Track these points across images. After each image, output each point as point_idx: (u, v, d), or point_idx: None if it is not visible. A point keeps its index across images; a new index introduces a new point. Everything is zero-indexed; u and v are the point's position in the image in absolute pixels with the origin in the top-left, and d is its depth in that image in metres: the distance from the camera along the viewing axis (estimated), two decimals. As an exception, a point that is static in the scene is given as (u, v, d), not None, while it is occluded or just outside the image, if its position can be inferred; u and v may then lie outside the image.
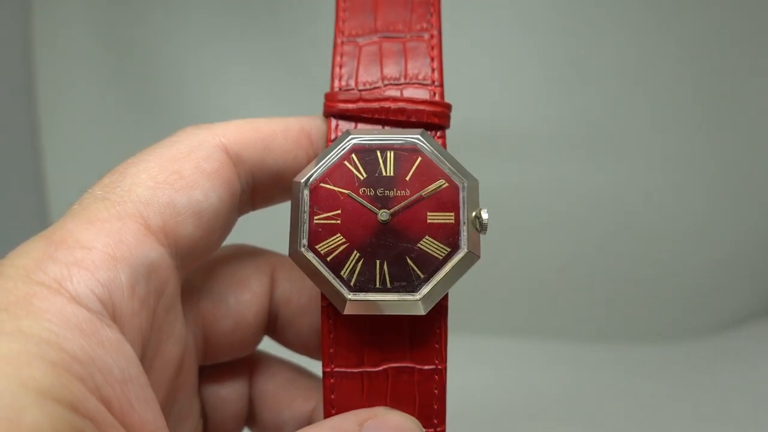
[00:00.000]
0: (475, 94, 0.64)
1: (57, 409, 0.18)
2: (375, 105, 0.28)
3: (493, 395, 0.57)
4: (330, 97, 0.28)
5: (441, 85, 0.28)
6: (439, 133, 0.28)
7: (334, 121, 0.28)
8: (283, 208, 0.28)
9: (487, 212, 0.26)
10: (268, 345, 0.32)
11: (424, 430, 0.26)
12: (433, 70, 0.28)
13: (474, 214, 0.26)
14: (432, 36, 0.29)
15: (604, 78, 0.67)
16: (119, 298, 0.22)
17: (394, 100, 0.28)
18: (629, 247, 0.68)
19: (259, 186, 0.28)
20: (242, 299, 0.29)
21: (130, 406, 0.21)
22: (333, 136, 0.28)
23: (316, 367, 0.28)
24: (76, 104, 0.68)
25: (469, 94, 0.56)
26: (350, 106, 0.28)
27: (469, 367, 0.61)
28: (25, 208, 0.68)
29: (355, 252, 0.26)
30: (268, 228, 0.39)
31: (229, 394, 0.31)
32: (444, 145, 0.28)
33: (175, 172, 0.25)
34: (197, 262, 0.27)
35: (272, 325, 0.31)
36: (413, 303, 0.25)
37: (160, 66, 0.67)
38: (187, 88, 0.67)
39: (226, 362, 0.31)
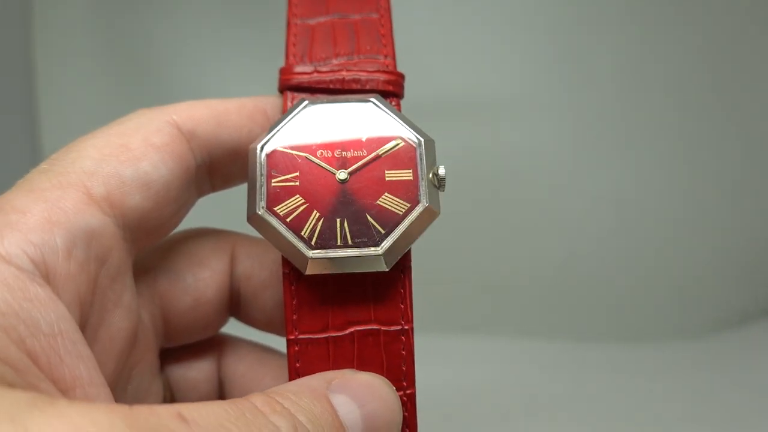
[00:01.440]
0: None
1: None
2: (330, 76, 0.28)
3: (492, 395, 0.57)
4: (285, 71, 0.29)
5: (393, 58, 0.29)
6: (394, 102, 0.28)
7: (290, 95, 0.29)
8: (243, 192, 0.28)
9: (444, 168, 0.26)
10: (235, 329, 0.32)
11: (392, 386, 0.25)
12: (384, 45, 0.29)
13: (432, 171, 0.26)
14: (381, 15, 0.29)
15: (605, 78, 0.67)
16: (53, 260, 0.21)
17: (349, 70, 0.28)
18: (628, 247, 0.68)
19: (216, 163, 0.28)
20: (201, 277, 0.29)
21: (59, 360, 0.20)
22: (289, 104, 0.28)
23: (282, 345, 0.28)
24: (76, 104, 0.69)
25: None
26: (305, 78, 0.28)
27: (467, 366, 0.61)
28: None
29: (315, 212, 0.26)
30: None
31: (197, 375, 0.31)
32: (398, 107, 0.28)
33: (122, 145, 0.25)
34: (153, 238, 0.27)
35: (235, 304, 0.31)
36: (375, 258, 0.25)
37: (161, 66, 0.68)
38: (187, 87, 0.68)
39: (192, 344, 0.31)
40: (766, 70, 0.69)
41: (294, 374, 0.26)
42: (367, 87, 0.28)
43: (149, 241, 0.27)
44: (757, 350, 0.64)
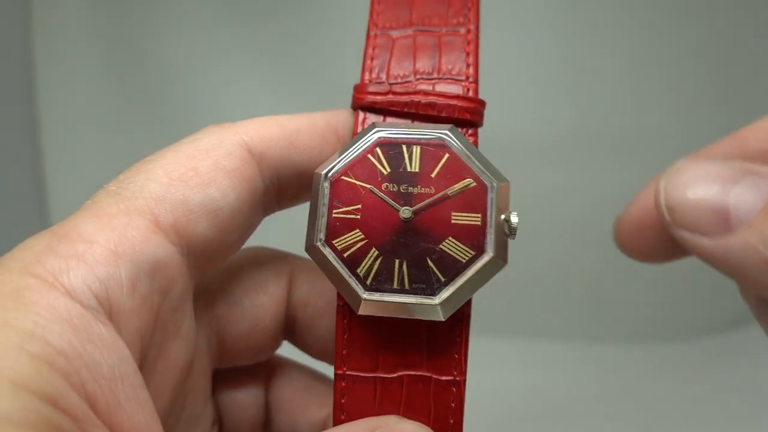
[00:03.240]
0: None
1: (32, 401, 0.17)
2: (405, 98, 0.26)
3: (492, 396, 0.57)
4: (359, 89, 0.26)
5: (475, 82, 0.26)
6: (470, 131, 0.26)
7: (361, 114, 0.26)
8: (306, 209, 0.27)
9: (517, 216, 0.24)
10: (288, 351, 0.31)
11: None
12: (468, 65, 0.26)
13: (503, 217, 0.24)
14: (469, 31, 0.27)
15: (609, 80, 0.66)
16: (117, 295, 0.21)
17: (425, 93, 0.26)
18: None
19: (284, 184, 0.27)
20: (258, 302, 0.28)
21: (118, 405, 0.20)
22: (359, 129, 0.26)
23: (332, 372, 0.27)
24: (76, 104, 0.67)
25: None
26: (379, 98, 0.26)
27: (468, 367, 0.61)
28: (25, 209, 0.66)
29: (374, 249, 0.24)
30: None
31: (245, 398, 0.30)
32: (476, 143, 0.26)
33: (192, 169, 0.24)
34: (215, 263, 0.25)
35: (290, 329, 0.30)
36: (431, 307, 0.23)
37: (161, 65, 0.66)
38: (187, 87, 0.66)
39: (242, 366, 0.30)
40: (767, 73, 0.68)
41: (338, 410, 0.25)
42: (443, 114, 0.26)
43: (211, 266, 0.26)
44: (756, 350, 0.64)
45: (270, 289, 0.29)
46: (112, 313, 0.21)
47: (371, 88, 0.26)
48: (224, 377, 0.30)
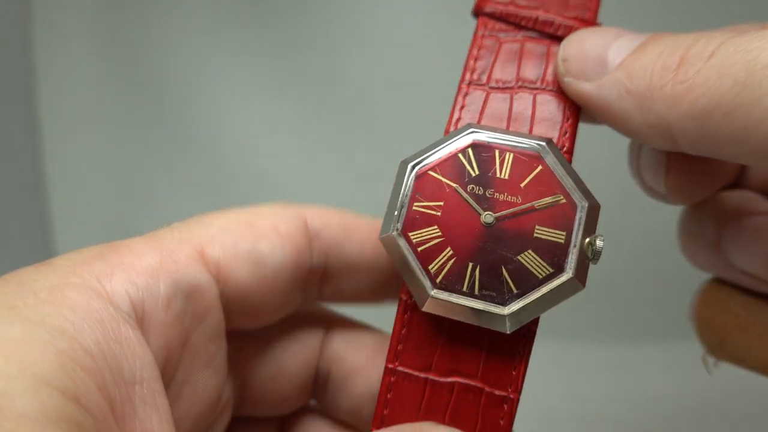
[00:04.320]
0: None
1: (55, 397, 0.17)
2: (525, 12, 0.27)
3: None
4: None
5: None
6: (566, 147, 0.26)
7: (456, 114, 0.26)
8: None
9: (603, 240, 0.23)
10: None
11: None
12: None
13: (588, 240, 0.23)
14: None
15: None
16: (151, 306, 0.22)
17: (546, 11, 0.27)
18: (629, 247, 0.66)
19: (331, 271, 0.27)
20: (288, 347, 0.28)
21: (132, 411, 0.20)
22: (452, 129, 0.26)
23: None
24: (77, 104, 0.66)
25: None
26: (499, 7, 0.27)
27: None
28: (25, 209, 0.66)
29: (449, 249, 0.23)
30: None
31: None
32: (570, 161, 0.25)
33: (249, 223, 0.25)
34: (247, 320, 0.26)
35: (322, 385, 0.29)
36: (499, 317, 0.23)
37: (162, 66, 0.66)
38: (188, 88, 0.66)
39: (259, 419, 0.29)
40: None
41: (382, 404, 0.24)
42: (559, 33, 0.26)
43: (243, 322, 0.26)
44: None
45: (303, 337, 0.28)
46: (144, 321, 0.21)
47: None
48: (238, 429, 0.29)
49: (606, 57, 0.24)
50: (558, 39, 0.26)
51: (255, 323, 0.26)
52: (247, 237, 0.25)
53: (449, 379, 0.24)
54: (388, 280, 0.28)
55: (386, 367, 0.24)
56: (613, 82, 0.24)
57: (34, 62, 0.65)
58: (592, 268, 0.25)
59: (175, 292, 0.22)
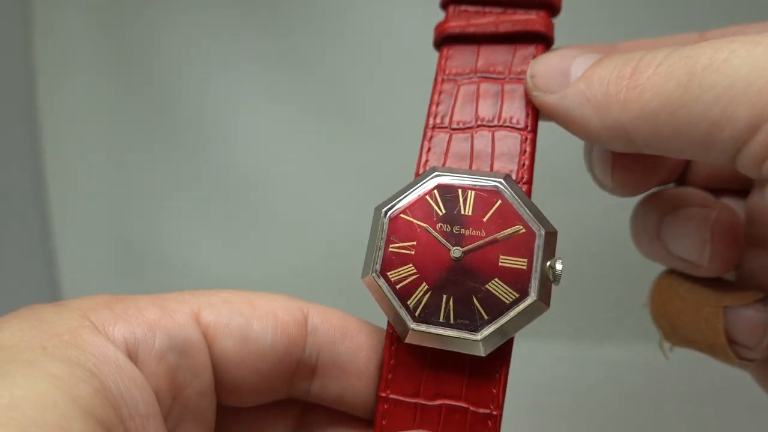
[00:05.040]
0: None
1: (96, 427, 0.20)
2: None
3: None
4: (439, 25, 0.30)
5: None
6: (525, 178, 0.28)
7: (424, 157, 0.28)
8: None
9: (562, 263, 0.26)
10: None
11: None
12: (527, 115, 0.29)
13: (549, 263, 0.26)
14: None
15: None
16: (145, 355, 0.24)
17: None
18: (629, 246, 0.67)
19: (321, 370, 0.28)
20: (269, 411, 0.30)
21: None
22: (421, 170, 0.28)
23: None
24: (77, 105, 0.66)
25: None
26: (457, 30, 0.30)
27: None
28: (25, 210, 0.66)
29: (424, 284, 0.26)
30: None
31: None
32: (529, 192, 0.28)
33: (249, 302, 0.27)
34: (226, 393, 0.27)
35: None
36: (473, 343, 0.25)
37: (164, 70, 0.65)
38: (189, 89, 0.65)
39: None
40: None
41: (379, 430, 0.27)
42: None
43: (223, 397, 0.27)
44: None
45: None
46: (138, 366, 0.24)
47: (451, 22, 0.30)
48: None
49: (568, 71, 0.27)
50: (524, 38, 0.29)
51: (235, 400, 0.28)
52: (242, 315, 0.26)
53: (437, 402, 0.27)
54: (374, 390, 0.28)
55: (379, 396, 0.27)
56: (574, 93, 0.26)
57: (34, 62, 0.65)
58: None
59: (170, 347, 0.25)
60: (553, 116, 0.27)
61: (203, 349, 0.26)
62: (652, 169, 0.31)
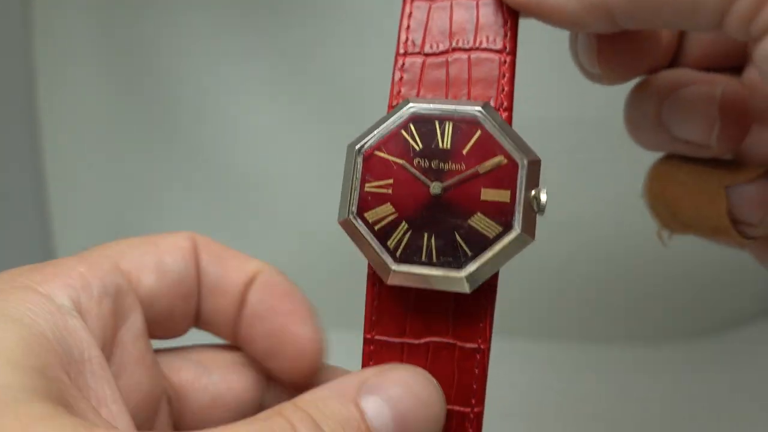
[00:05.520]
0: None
1: (26, 371, 0.20)
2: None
3: (492, 395, 0.56)
4: None
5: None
6: (505, 104, 0.26)
7: (396, 87, 0.27)
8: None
9: (547, 192, 0.24)
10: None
11: (432, 380, 0.25)
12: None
13: (532, 193, 0.24)
14: None
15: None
16: (87, 301, 0.25)
17: None
18: (629, 247, 0.67)
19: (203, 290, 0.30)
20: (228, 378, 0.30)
21: (85, 383, 0.23)
22: (394, 103, 0.27)
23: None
24: (77, 104, 0.66)
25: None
26: None
27: None
28: (25, 209, 0.66)
29: (404, 223, 0.24)
30: None
31: None
32: (509, 120, 0.26)
33: (153, 242, 0.29)
34: (157, 328, 0.29)
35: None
36: (457, 280, 0.24)
37: (163, 68, 0.65)
38: (189, 88, 0.65)
39: None
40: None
41: None
42: None
43: (156, 332, 0.29)
44: (757, 350, 0.64)
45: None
46: (83, 315, 0.24)
47: None
48: None
49: None
50: None
51: (167, 332, 0.29)
52: (152, 252, 0.28)
53: (424, 340, 0.25)
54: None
55: (365, 338, 0.26)
56: None
57: (34, 62, 0.66)
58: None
59: (105, 292, 0.25)
60: (529, 9, 0.26)
61: (130, 291, 0.27)
62: (639, 50, 0.30)
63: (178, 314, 0.29)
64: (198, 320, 0.30)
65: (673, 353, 0.65)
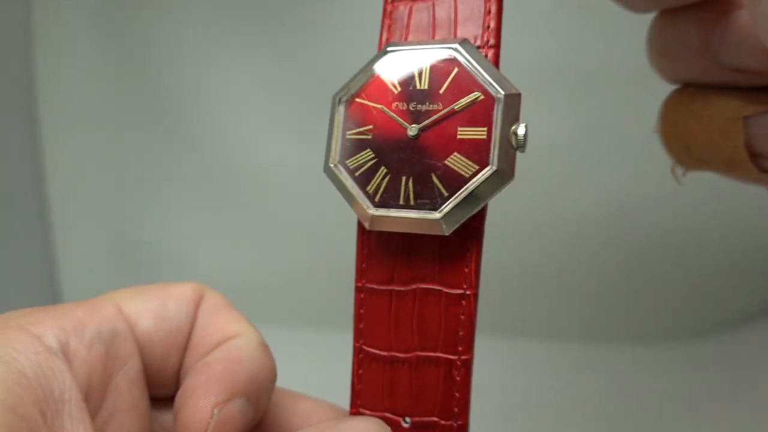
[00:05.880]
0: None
1: (6, 414, 0.20)
2: None
3: (492, 395, 0.56)
4: None
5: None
6: (491, 41, 0.25)
7: (384, 34, 0.27)
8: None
9: (525, 127, 0.23)
10: None
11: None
12: None
13: (511, 129, 0.23)
14: None
15: (608, 76, 0.65)
16: (76, 345, 0.24)
17: None
18: (629, 247, 0.67)
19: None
20: None
21: (61, 424, 0.23)
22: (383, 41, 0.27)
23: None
24: (77, 104, 0.67)
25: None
26: None
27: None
28: (25, 209, 0.67)
29: (383, 168, 0.24)
30: None
31: None
32: (496, 58, 0.25)
33: (162, 287, 0.28)
34: (153, 379, 0.28)
35: None
36: (434, 222, 0.24)
37: (162, 67, 0.66)
38: (188, 87, 0.66)
39: None
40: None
41: (358, 319, 0.26)
42: None
43: (153, 388, 0.28)
44: (757, 350, 0.63)
45: None
46: (69, 357, 0.24)
47: None
48: None
49: None
50: None
51: (158, 387, 0.28)
52: (157, 296, 0.28)
53: (411, 287, 0.25)
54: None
55: (356, 286, 0.26)
56: None
57: (34, 62, 0.66)
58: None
59: (99, 337, 0.25)
60: None
61: (129, 337, 0.26)
62: None
63: (171, 367, 0.28)
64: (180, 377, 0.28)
65: (673, 353, 0.64)
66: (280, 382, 0.29)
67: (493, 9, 0.26)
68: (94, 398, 0.25)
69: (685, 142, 0.31)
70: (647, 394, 0.57)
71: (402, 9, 0.27)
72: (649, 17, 0.31)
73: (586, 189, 0.66)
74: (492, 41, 0.25)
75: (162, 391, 0.28)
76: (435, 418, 0.25)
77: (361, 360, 0.26)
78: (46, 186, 0.67)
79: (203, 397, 0.24)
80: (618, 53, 0.62)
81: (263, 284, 0.66)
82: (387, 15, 0.27)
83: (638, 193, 0.67)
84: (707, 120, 0.29)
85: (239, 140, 0.66)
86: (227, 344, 0.27)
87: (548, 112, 0.65)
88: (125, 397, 0.26)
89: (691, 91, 0.30)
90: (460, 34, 0.26)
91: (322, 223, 0.63)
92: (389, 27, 0.27)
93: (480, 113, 0.24)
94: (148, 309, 0.27)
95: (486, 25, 0.26)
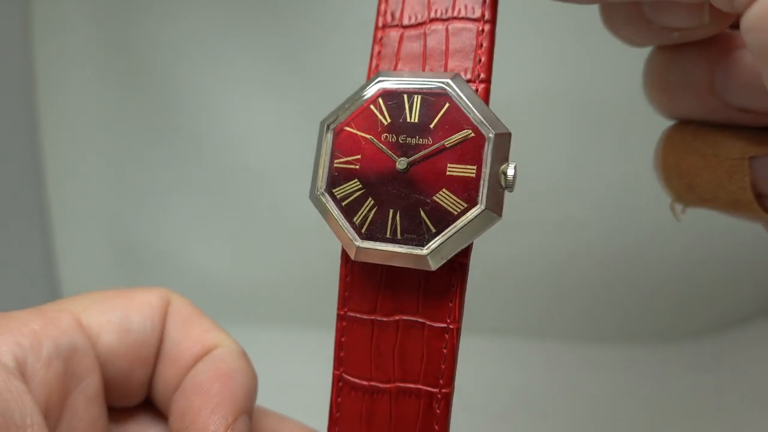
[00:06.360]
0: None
1: None
2: None
3: (492, 395, 0.56)
4: None
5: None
6: (482, 76, 0.25)
7: (374, 61, 0.26)
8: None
9: (515, 168, 0.23)
10: None
11: None
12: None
13: (500, 169, 0.23)
14: None
15: (606, 75, 0.64)
16: (33, 363, 0.23)
17: None
18: (629, 246, 0.66)
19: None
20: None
21: None
22: (372, 74, 0.26)
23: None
24: (77, 104, 0.66)
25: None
26: None
27: (465, 366, 0.60)
28: (25, 209, 0.67)
29: (370, 199, 0.24)
30: None
31: None
32: (486, 93, 0.25)
33: (124, 296, 0.27)
34: (115, 391, 0.27)
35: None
36: (421, 257, 0.23)
37: (162, 68, 0.65)
38: (188, 87, 0.65)
39: None
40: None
41: (338, 347, 0.26)
42: None
43: (114, 397, 0.27)
44: (757, 350, 0.63)
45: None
46: (27, 376, 0.23)
47: None
48: None
49: None
50: None
51: (121, 398, 0.27)
52: (119, 306, 0.26)
53: (393, 318, 0.25)
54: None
55: (338, 314, 0.26)
56: None
57: (34, 62, 0.66)
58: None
59: (57, 353, 0.24)
60: None
61: (88, 352, 0.25)
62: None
63: (136, 380, 0.27)
64: (151, 390, 0.28)
65: (673, 353, 0.64)
66: (280, 382, 0.29)
67: (485, 43, 0.25)
68: (50, 418, 0.24)
69: (687, 180, 0.30)
70: (647, 394, 0.57)
71: (393, 35, 0.27)
72: (645, 50, 0.30)
73: (585, 188, 0.66)
74: (483, 75, 0.25)
75: (125, 402, 0.27)
76: None
77: (340, 388, 0.26)
78: (45, 186, 0.67)
79: (211, 419, 0.24)
80: (612, 86, 0.62)
81: (263, 284, 0.66)
82: (377, 41, 0.27)
83: (638, 193, 0.66)
84: (713, 160, 0.28)
85: (238, 141, 0.65)
86: (212, 357, 0.27)
87: (548, 107, 0.65)
88: (82, 415, 0.25)
89: (693, 128, 0.29)
90: (451, 66, 0.25)
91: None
92: (379, 54, 0.27)
93: (470, 151, 0.24)
94: (110, 321, 0.26)
95: (477, 59, 0.25)
